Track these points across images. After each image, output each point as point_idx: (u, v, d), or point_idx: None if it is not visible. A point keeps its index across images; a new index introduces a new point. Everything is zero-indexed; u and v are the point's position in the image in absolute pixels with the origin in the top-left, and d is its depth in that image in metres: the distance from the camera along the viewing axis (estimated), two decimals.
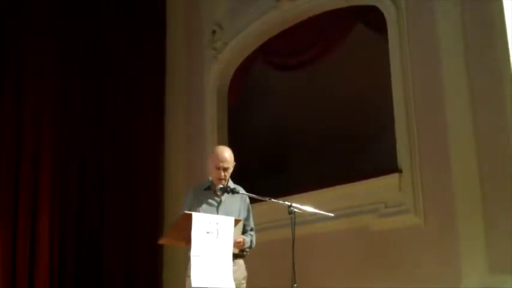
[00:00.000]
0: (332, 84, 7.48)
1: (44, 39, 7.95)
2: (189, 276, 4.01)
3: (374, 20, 7.02)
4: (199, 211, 4.32)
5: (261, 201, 4.65)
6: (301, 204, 4.31)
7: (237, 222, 4.22)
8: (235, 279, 4.12)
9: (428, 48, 6.34)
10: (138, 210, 8.45)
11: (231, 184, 4.58)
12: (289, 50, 7.98)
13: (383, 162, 6.65)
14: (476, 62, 5.91)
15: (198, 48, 8.84)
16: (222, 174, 4.49)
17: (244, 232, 4.55)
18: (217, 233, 3.97)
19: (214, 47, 8.52)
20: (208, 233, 3.93)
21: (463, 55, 5.99)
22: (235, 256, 4.37)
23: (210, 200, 4.54)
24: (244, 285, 4.55)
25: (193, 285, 3.90)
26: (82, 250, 7.92)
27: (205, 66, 8.68)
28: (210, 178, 4.62)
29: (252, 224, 4.69)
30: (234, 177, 4.67)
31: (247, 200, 4.67)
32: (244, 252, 4.54)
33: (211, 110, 8.46)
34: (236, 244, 4.25)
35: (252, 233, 4.65)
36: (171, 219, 5.57)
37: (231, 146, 5.81)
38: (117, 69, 8.70)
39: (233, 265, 4.16)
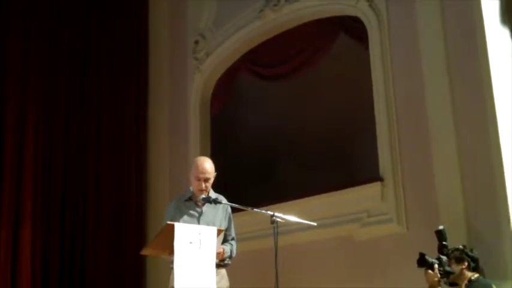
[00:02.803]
0: (315, 94, 7.50)
1: (28, 40, 7.92)
2: (173, 287, 3.99)
3: (356, 29, 7.07)
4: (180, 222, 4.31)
5: (244, 210, 4.64)
6: (285, 213, 4.31)
7: (219, 232, 4.21)
8: None
9: (410, 58, 6.39)
10: (122, 221, 8.41)
11: (213, 194, 4.58)
12: (272, 60, 8.00)
13: (365, 171, 6.68)
14: (457, 71, 5.96)
15: (181, 58, 8.84)
16: (203, 185, 4.49)
17: (225, 241, 4.55)
18: (200, 243, 3.95)
19: (197, 57, 8.53)
20: (191, 243, 3.91)
21: (445, 64, 6.04)
22: (218, 266, 4.36)
23: (191, 211, 4.54)
24: None
25: None
26: (65, 261, 7.86)
27: (188, 76, 8.68)
28: (191, 189, 4.62)
29: (233, 233, 4.69)
30: (217, 186, 4.67)
31: (229, 209, 4.66)
32: (225, 262, 4.54)
33: (194, 120, 8.45)
34: (216, 255, 4.23)
35: (233, 242, 4.65)
36: (155, 230, 5.55)
37: (215, 155, 5.84)
38: (100, 79, 8.68)
39: (216, 275, 4.15)
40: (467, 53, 5.92)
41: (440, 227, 5.12)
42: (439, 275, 4.85)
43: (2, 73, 7.70)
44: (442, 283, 4.91)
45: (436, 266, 4.86)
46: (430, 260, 4.89)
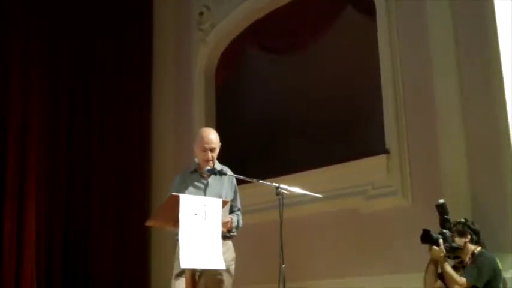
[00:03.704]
0: (321, 66, 7.44)
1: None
2: (178, 259, 4.00)
3: (363, 2, 6.99)
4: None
5: (249, 182, 4.64)
6: (290, 185, 4.31)
7: (224, 203, 4.21)
8: (224, 261, 4.12)
9: (417, 31, 6.33)
10: (126, 194, 8.42)
11: (218, 165, 4.58)
12: (278, 32, 7.94)
13: (371, 144, 6.66)
14: (465, 44, 5.90)
15: (185, 30, 8.79)
16: (209, 155, 4.50)
17: (231, 212, 4.57)
18: (205, 215, 3.94)
19: (202, 28, 8.47)
20: (196, 214, 3.90)
21: (452, 37, 5.98)
22: (224, 237, 4.37)
23: (196, 183, 4.55)
24: (233, 266, 4.59)
25: (181, 266, 3.89)
26: (70, 236, 7.90)
27: (192, 48, 8.64)
28: (197, 160, 4.62)
29: (239, 204, 4.71)
30: (223, 158, 4.67)
31: (234, 181, 4.68)
32: (232, 233, 4.55)
33: (199, 93, 8.43)
34: (224, 224, 4.24)
35: (239, 213, 4.68)
36: (160, 203, 5.57)
37: (220, 128, 5.79)
38: (104, 51, 8.64)
39: (222, 246, 4.15)
40: (475, 23, 5.85)
41: (441, 201, 5.08)
42: (444, 251, 4.84)
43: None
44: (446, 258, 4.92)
45: (441, 241, 4.85)
46: (435, 235, 4.88)
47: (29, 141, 7.56)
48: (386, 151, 6.42)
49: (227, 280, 4.50)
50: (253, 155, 7.78)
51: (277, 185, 4.21)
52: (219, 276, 4.43)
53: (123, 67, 8.75)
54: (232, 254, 4.58)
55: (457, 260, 4.98)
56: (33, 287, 7.24)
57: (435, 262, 4.91)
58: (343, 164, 6.78)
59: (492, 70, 5.63)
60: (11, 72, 7.61)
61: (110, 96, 8.58)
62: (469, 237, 4.91)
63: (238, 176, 4.56)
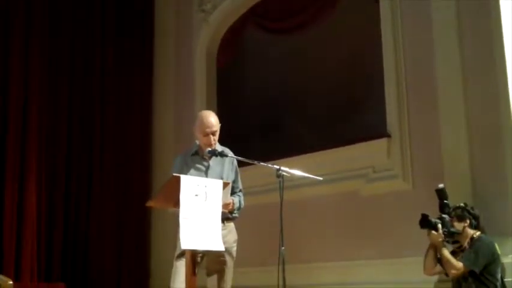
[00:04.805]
0: (322, 48, 7.42)
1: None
2: (180, 239, 4.01)
3: None
4: None
5: (250, 164, 4.64)
6: (290, 168, 4.30)
7: (225, 185, 4.20)
8: (226, 242, 4.14)
9: (420, 12, 6.29)
10: (127, 174, 8.43)
11: (219, 147, 4.57)
12: (280, 12, 7.89)
13: (372, 127, 6.65)
14: (468, 27, 5.87)
15: (187, 10, 8.74)
16: (212, 139, 4.49)
17: (233, 193, 4.57)
18: (206, 196, 3.94)
19: (204, 9, 8.42)
20: (196, 195, 3.90)
21: (455, 19, 5.95)
22: (226, 219, 4.39)
23: (198, 165, 4.55)
24: (235, 247, 4.61)
25: (182, 247, 3.91)
26: (70, 214, 7.91)
27: (194, 28, 8.60)
28: (197, 142, 4.61)
29: (240, 185, 4.72)
30: (223, 140, 4.66)
31: (235, 162, 4.67)
32: (234, 214, 4.56)
33: (200, 73, 8.40)
34: (225, 206, 4.25)
35: (241, 194, 4.69)
36: (160, 183, 5.57)
37: (221, 109, 5.81)
38: (105, 30, 8.59)
39: (224, 228, 4.17)
40: (478, 5, 5.81)
41: (441, 186, 5.09)
42: (443, 236, 4.86)
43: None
44: (445, 243, 4.93)
45: (439, 226, 4.86)
46: (433, 220, 4.88)
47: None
48: (387, 135, 6.40)
49: (229, 262, 4.53)
50: (254, 136, 7.77)
51: (277, 167, 4.21)
52: (221, 258, 4.45)
53: (125, 48, 8.71)
54: (234, 235, 4.60)
55: (456, 245, 4.99)
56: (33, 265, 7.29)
57: (434, 247, 4.93)
58: (344, 147, 6.77)
59: (494, 53, 5.60)
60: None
61: (111, 80, 8.52)
62: (468, 221, 4.93)
63: (239, 158, 4.56)
